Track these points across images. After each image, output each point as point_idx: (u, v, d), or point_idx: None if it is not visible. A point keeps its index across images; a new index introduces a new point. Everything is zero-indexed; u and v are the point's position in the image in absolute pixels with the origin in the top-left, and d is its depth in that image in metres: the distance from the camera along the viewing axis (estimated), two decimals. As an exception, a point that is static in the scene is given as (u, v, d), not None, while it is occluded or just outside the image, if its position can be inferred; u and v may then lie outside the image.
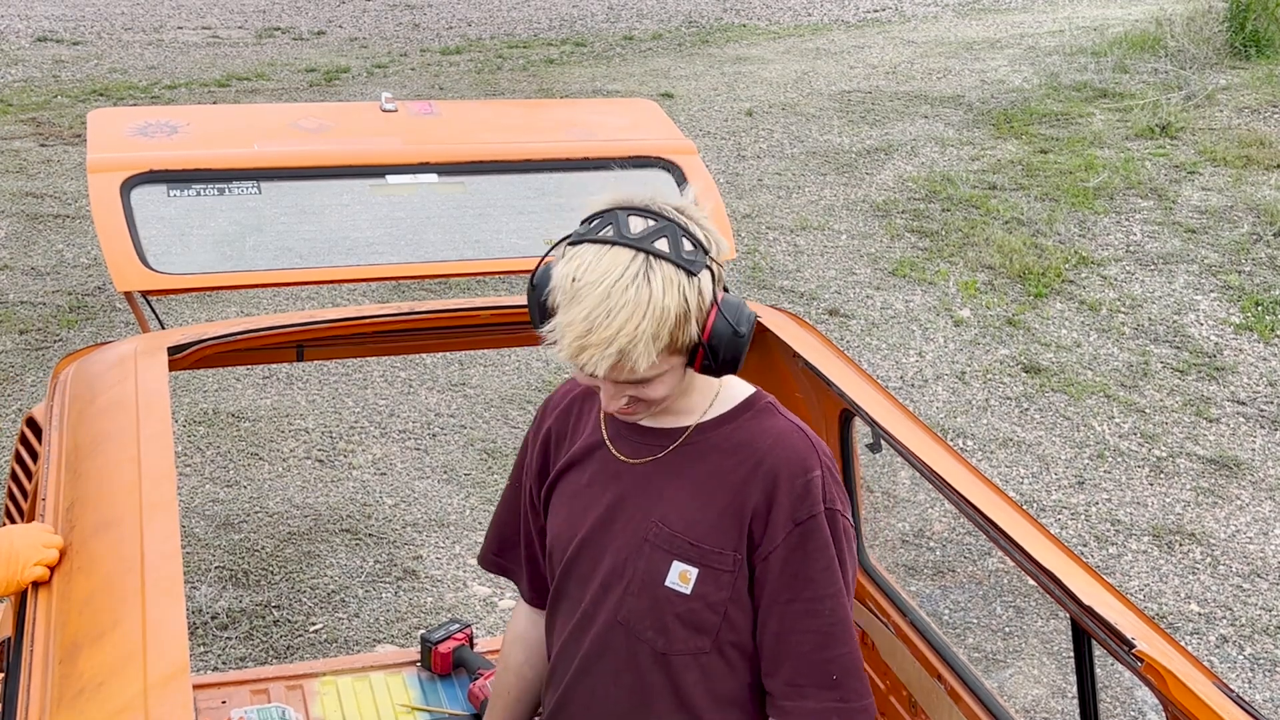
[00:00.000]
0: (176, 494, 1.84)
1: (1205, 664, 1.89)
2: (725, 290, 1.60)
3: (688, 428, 1.67)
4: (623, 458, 1.71)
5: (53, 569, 1.79)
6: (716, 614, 1.63)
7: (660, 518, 1.65)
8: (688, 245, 1.50)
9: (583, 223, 1.56)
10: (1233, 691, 1.70)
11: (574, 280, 1.49)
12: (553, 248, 1.60)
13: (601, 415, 1.76)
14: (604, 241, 1.50)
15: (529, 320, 2.30)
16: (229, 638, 3.78)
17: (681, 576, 1.65)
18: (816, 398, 2.61)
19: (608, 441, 1.73)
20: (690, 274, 1.50)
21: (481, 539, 2.19)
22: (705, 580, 1.62)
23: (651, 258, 1.48)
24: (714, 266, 1.56)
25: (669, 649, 1.65)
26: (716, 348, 1.55)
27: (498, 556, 1.97)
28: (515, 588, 2.09)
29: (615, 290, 1.48)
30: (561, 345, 1.52)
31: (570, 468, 1.77)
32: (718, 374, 1.62)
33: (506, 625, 1.96)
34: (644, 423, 1.70)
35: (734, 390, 1.71)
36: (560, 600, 1.78)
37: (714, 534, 1.64)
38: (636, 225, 1.50)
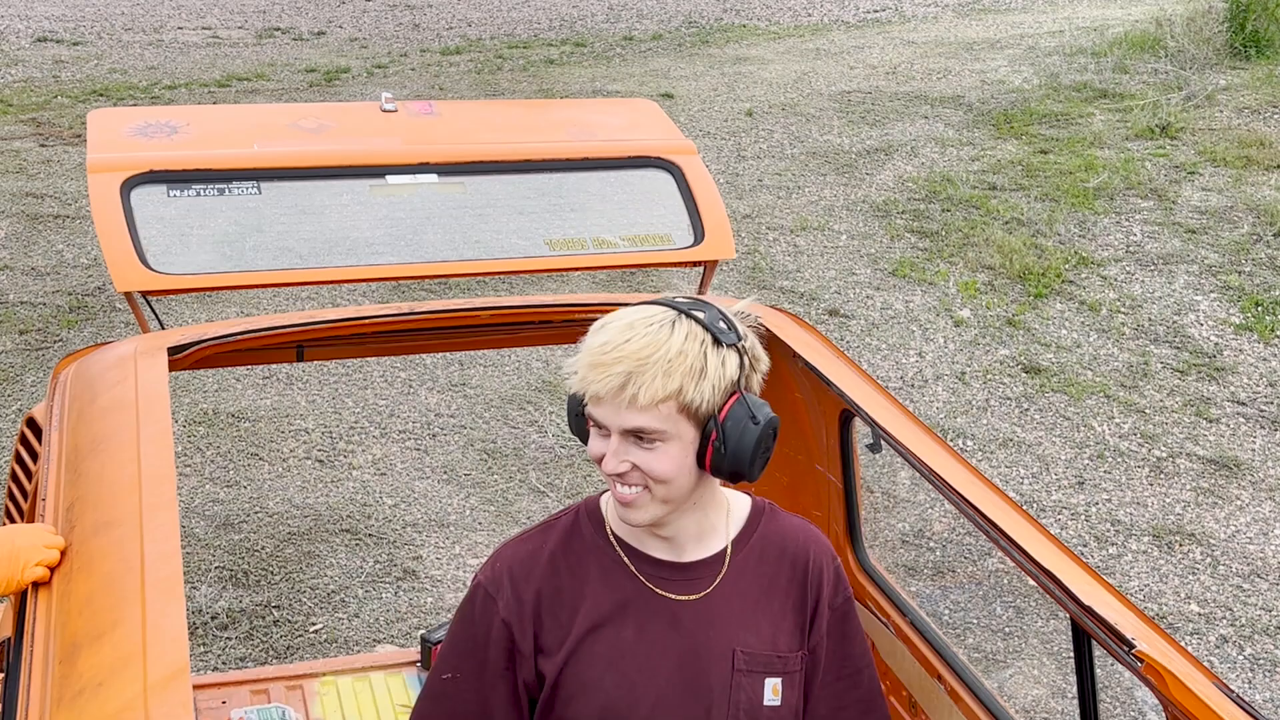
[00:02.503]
0: (176, 494, 1.84)
1: (1205, 664, 1.89)
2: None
3: (725, 548, 1.66)
4: (680, 597, 1.65)
5: (53, 569, 1.78)
6: (793, 713, 1.68)
7: (741, 644, 1.65)
8: (723, 324, 1.51)
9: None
10: (1233, 692, 1.69)
11: (604, 324, 1.52)
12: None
13: (623, 556, 1.68)
14: (645, 304, 1.54)
15: (529, 320, 2.30)
16: (229, 638, 3.78)
17: (774, 690, 1.67)
18: (816, 398, 2.62)
19: (650, 585, 1.65)
20: (717, 341, 1.50)
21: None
22: (788, 686, 1.67)
23: (682, 315, 1.50)
24: (746, 358, 1.54)
25: None
26: (729, 433, 1.54)
27: None
28: None
29: (638, 325, 1.50)
30: (577, 368, 1.52)
31: (599, 627, 1.66)
32: (729, 473, 1.59)
33: None
34: (679, 560, 1.65)
35: (740, 502, 1.71)
36: None
37: (788, 640, 1.68)
38: (681, 300, 1.54)
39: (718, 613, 1.64)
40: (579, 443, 1.77)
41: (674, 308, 1.53)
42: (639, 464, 1.53)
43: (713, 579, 1.64)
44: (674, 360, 1.49)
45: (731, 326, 1.53)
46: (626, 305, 1.60)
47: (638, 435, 1.52)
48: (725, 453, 1.54)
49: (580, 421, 1.60)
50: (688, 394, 1.50)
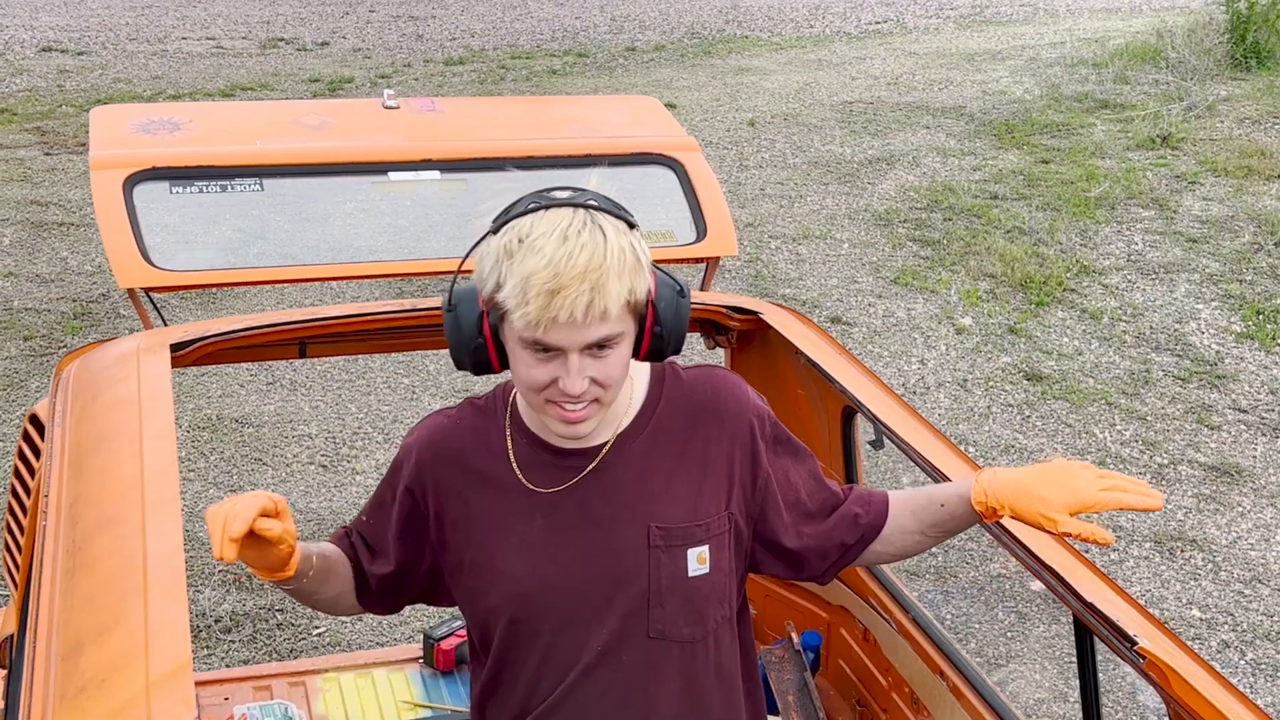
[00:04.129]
0: (179, 490, 1.83)
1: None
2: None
3: (624, 424, 1.64)
4: (583, 482, 1.64)
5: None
6: (726, 574, 1.67)
7: (657, 520, 1.64)
8: (619, 208, 1.48)
9: (494, 223, 1.51)
10: (1235, 688, 1.68)
11: (520, 240, 1.44)
12: (473, 248, 1.54)
13: (532, 447, 1.66)
14: (534, 210, 1.46)
15: None
16: (233, 641, 3.78)
17: (699, 559, 1.65)
18: (819, 394, 2.62)
19: (559, 474, 1.65)
20: (630, 225, 1.48)
21: None
22: (716, 550, 1.65)
23: (592, 210, 1.45)
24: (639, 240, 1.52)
25: (705, 633, 1.67)
26: (664, 316, 1.54)
27: (377, 590, 1.77)
28: None
29: (570, 234, 1.43)
30: (528, 299, 1.43)
31: (508, 518, 1.68)
32: (669, 353, 1.58)
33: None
34: (570, 446, 1.63)
35: (640, 371, 1.66)
36: (542, 638, 1.69)
37: (711, 501, 1.66)
38: (561, 194, 1.47)
39: (629, 492, 1.63)
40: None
41: (573, 205, 1.46)
42: (596, 376, 1.49)
43: (618, 461, 1.63)
44: (621, 260, 1.45)
45: (616, 209, 1.49)
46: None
47: (598, 347, 1.48)
48: (665, 335, 1.55)
49: (474, 341, 1.56)
50: (636, 290, 1.48)
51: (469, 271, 1.61)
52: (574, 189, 1.48)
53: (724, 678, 1.71)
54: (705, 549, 1.64)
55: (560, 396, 1.49)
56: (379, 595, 1.73)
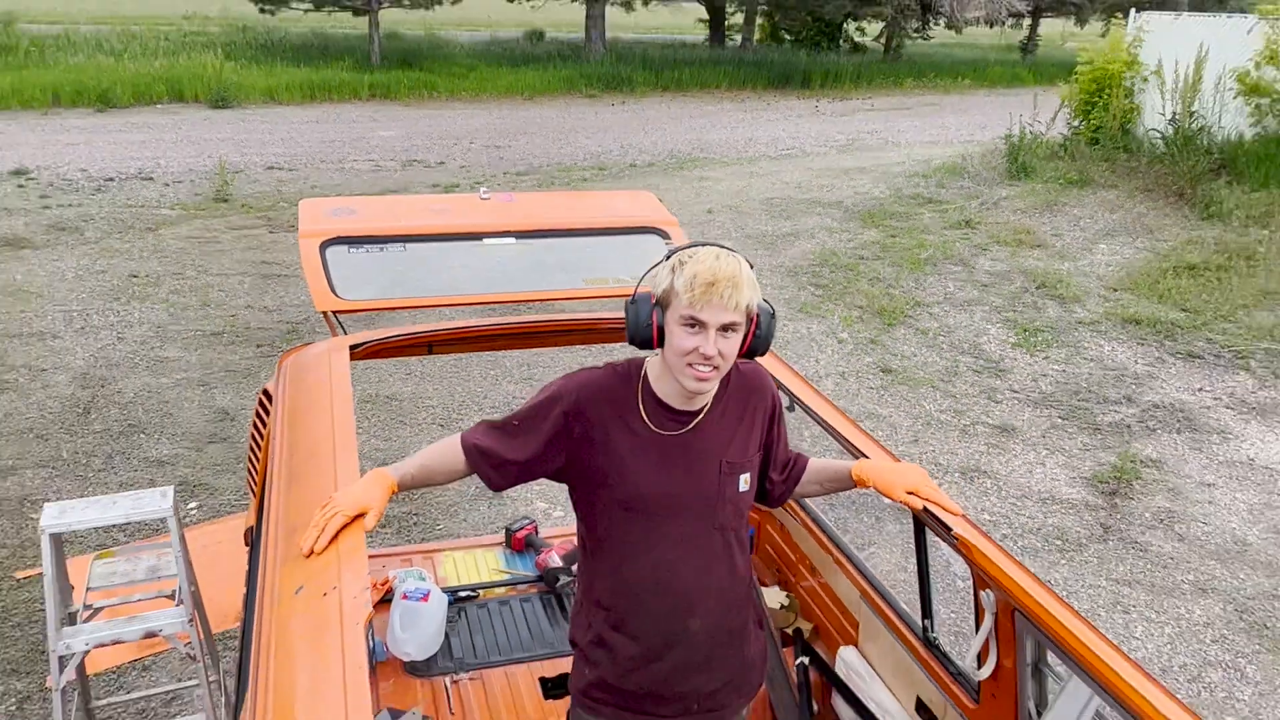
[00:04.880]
0: (355, 441, 2.00)
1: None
2: None
3: (708, 402, 1.86)
4: (682, 432, 1.83)
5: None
6: (752, 492, 1.94)
7: (726, 457, 1.86)
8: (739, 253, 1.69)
9: (666, 254, 1.75)
10: (1013, 557, 1.90)
11: (685, 261, 1.68)
12: (650, 269, 1.79)
13: (655, 406, 1.82)
14: (690, 247, 1.70)
15: (571, 329, 2.58)
16: (386, 533, 4.44)
17: (745, 482, 1.90)
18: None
19: (667, 423, 1.83)
20: (750, 266, 1.69)
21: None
22: (751, 477, 1.92)
23: (730, 251, 1.71)
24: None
25: (738, 530, 1.93)
26: (763, 324, 1.75)
27: (499, 469, 1.87)
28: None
29: (721, 256, 1.68)
30: (694, 287, 1.64)
31: (634, 448, 1.82)
32: (760, 352, 1.78)
33: (444, 449, 1.91)
34: (680, 407, 1.83)
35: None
36: (649, 523, 1.84)
37: (751, 450, 1.92)
38: (711, 244, 1.73)
39: (711, 438, 1.86)
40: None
41: (718, 246, 1.71)
42: (722, 350, 1.69)
43: (707, 421, 1.86)
44: (747, 278, 1.68)
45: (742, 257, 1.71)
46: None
47: (727, 328, 1.68)
48: (762, 338, 1.76)
49: (646, 330, 1.75)
50: (754, 302, 1.70)
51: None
52: (719, 242, 1.74)
53: (742, 554, 1.95)
54: (747, 475, 1.89)
55: (699, 359, 1.69)
56: (502, 470, 1.87)
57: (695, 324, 1.69)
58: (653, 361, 1.85)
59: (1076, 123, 12.43)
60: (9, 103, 16.59)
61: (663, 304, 1.74)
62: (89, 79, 17.85)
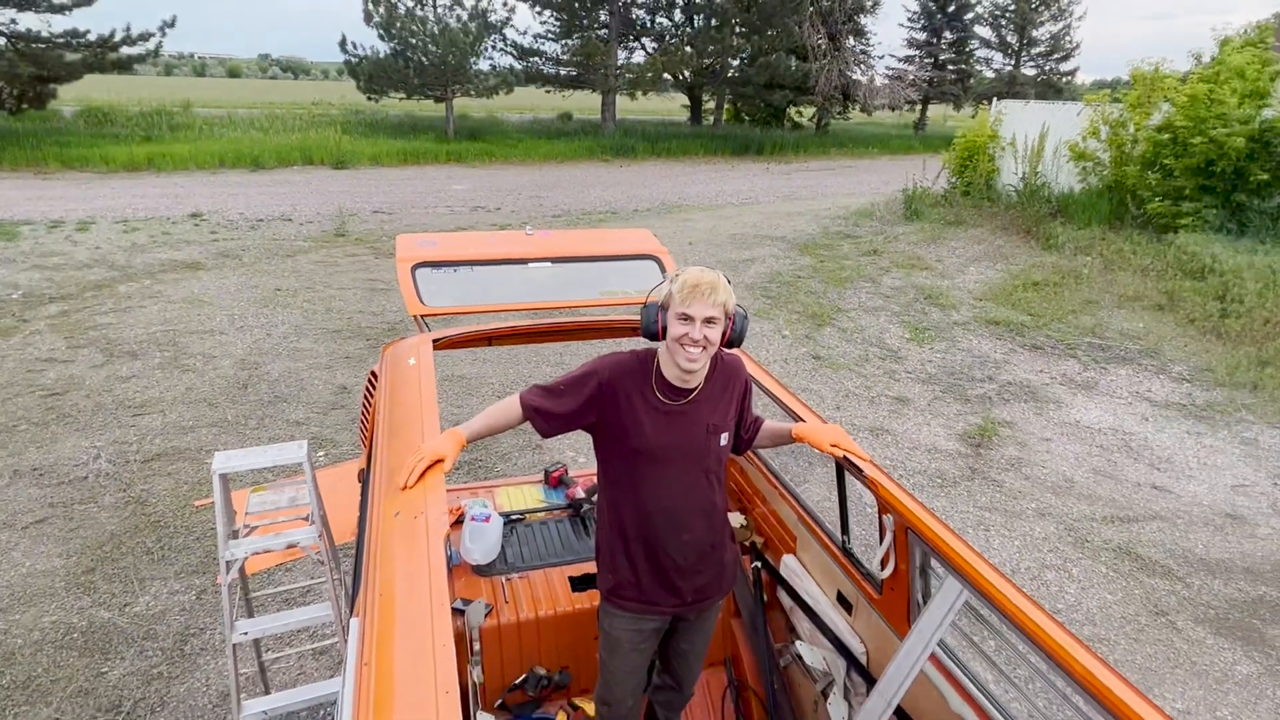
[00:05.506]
0: (436, 408, 1.99)
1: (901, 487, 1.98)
2: None
3: (700, 381, 1.86)
4: (683, 403, 1.84)
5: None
6: (729, 447, 1.95)
7: (710, 420, 1.87)
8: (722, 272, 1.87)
9: (668, 278, 1.77)
10: (908, 491, 1.88)
11: (679, 274, 1.73)
12: (656, 287, 1.80)
13: (663, 382, 1.78)
14: (686, 269, 1.76)
15: (591, 328, 2.53)
16: (460, 474, 4.46)
17: (724, 439, 1.91)
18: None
19: (671, 395, 1.82)
20: (729, 284, 1.75)
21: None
22: (729, 435, 1.94)
23: (714, 269, 1.77)
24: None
25: (718, 473, 1.93)
26: (738, 322, 1.78)
27: (548, 420, 1.85)
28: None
29: (705, 271, 1.75)
30: (684, 288, 1.66)
31: (646, 412, 1.80)
32: (735, 344, 1.76)
33: (504, 407, 1.86)
34: (680, 386, 1.81)
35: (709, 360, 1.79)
36: (654, 466, 1.81)
37: (730, 415, 1.93)
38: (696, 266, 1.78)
39: (702, 409, 1.87)
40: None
41: (705, 267, 1.74)
42: (707, 335, 1.72)
43: (699, 397, 1.87)
44: (724, 285, 1.73)
45: (724, 275, 1.75)
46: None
47: (710, 321, 1.71)
48: (737, 333, 1.78)
49: (654, 326, 1.76)
50: (730, 304, 1.74)
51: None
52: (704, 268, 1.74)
53: (720, 489, 1.95)
54: (726, 434, 1.91)
55: (689, 342, 1.72)
56: (550, 421, 1.86)
57: (686, 317, 1.70)
58: (662, 352, 1.84)
59: (954, 180, 12.44)
60: (188, 165, 16.47)
61: (664, 307, 1.76)
62: (244, 148, 17.78)
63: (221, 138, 18.99)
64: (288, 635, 3.20)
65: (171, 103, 24.23)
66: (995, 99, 12.35)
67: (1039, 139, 11.20)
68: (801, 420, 2.11)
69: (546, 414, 1.84)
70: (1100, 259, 8.66)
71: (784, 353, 6.72)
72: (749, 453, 2.79)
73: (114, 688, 2.92)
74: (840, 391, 5.93)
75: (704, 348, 1.72)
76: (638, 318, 2.70)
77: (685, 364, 1.74)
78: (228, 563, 2.15)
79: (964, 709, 1.85)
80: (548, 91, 25.52)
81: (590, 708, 2.45)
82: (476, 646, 2.34)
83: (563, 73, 25.04)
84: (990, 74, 33.74)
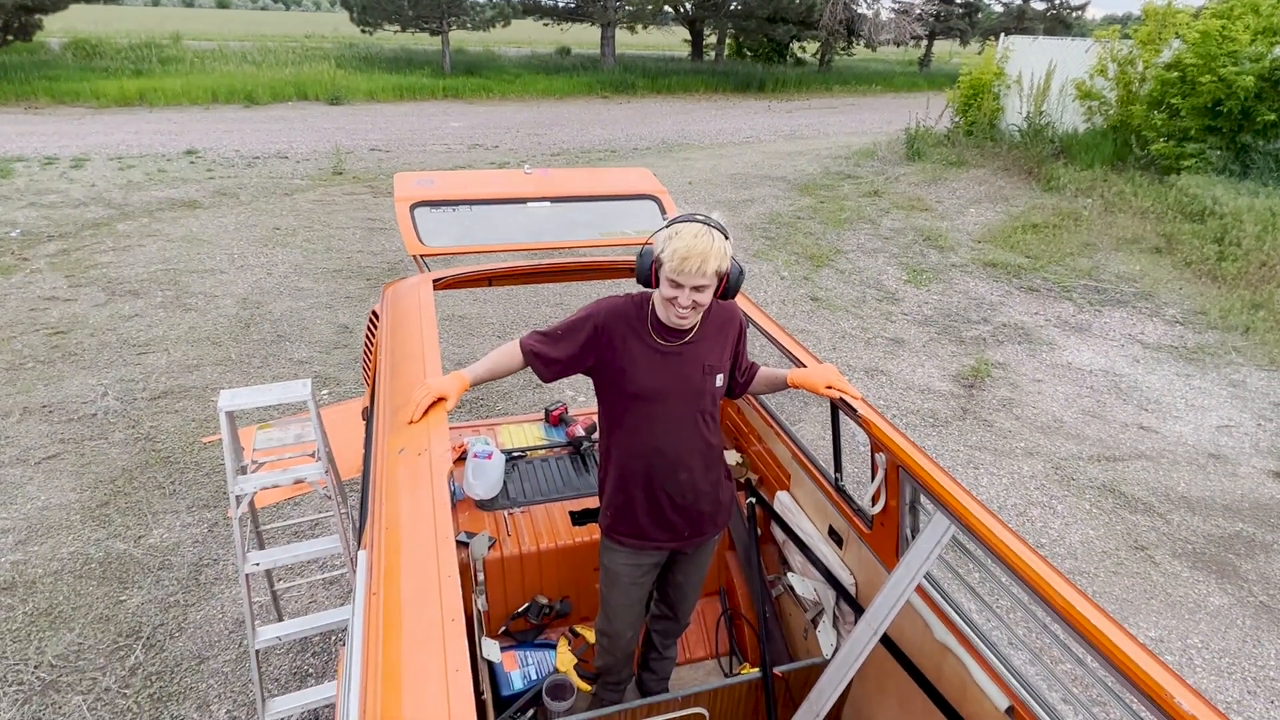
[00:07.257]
0: (438, 347, 1.98)
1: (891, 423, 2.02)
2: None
3: (698, 322, 1.85)
4: (680, 344, 1.83)
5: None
6: (724, 388, 1.96)
7: (707, 361, 1.87)
8: (721, 229, 1.68)
9: (668, 223, 1.71)
10: (898, 428, 1.84)
11: (676, 233, 1.69)
12: (656, 232, 1.73)
13: (659, 325, 1.77)
14: (686, 220, 1.70)
15: (590, 269, 2.49)
16: (462, 412, 4.47)
17: (719, 381, 1.91)
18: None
19: (668, 337, 1.82)
20: (725, 238, 1.69)
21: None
22: (724, 376, 1.94)
23: (710, 228, 1.69)
24: (729, 240, 1.69)
25: (713, 413, 1.92)
26: (732, 278, 1.76)
27: (548, 365, 1.86)
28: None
29: (700, 234, 1.68)
30: (675, 259, 1.63)
31: (643, 353, 1.80)
32: (729, 295, 1.74)
33: (505, 352, 1.86)
34: (677, 327, 1.80)
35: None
36: (652, 407, 1.81)
37: (725, 357, 1.94)
38: (700, 217, 1.70)
39: (698, 350, 1.88)
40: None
41: (704, 223, 1.65)
42: (696, 300, 1.72)
43: (696, 338, 1.88)
44: (720, 250, 1.69)
45: (722, 228, 1.69)
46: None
47: (698, 288, 1.71)
48: (730, 288, 1.77)
49: (649, 276, 1.75)
50: (722, 267, 1.71)
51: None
52: (706, 216, 1.67)
53: (715, 429, 1.96)
54: (721, 376, 1.92)
55: (677, 306, 1.74)
56: (550, 366, 1.87)
57: (676, 284, 1.71)
58: (657, 296, 1.83)
59: (957, 119, 12.15)
60: (180, 100, 16.08)
61: (658, 261, 1.75)
62: (238, 83, 17.31)
63: (214, 71, 18.48)
64: (298, 566, 3.25)
65: (160, 35, 23.46)
66: (1003, 34, 11.97)
67: (1045, 77, 10.90)
68: (800, 365, 2.10)
69: (546, 359, 1.85)
70: (1101, 201, 8.55)
71: (781, 294, 6.70)
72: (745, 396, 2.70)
73: (133, 614, 3.01)
74: (837, 332, 5.95)
75: (694, 309, 1.74)
76: (629, 261, 2.73)
77: (674, 322, 1.77)
78: (237, 497, 2.17)
79: (947, 637, 1.89)
80: (546, 25, 24.76)
81: (590, 635, 2.51)
82: (480, 577, 2.35)
83: (561, 4, 24.29)
84: (999, 8, 32.74)
